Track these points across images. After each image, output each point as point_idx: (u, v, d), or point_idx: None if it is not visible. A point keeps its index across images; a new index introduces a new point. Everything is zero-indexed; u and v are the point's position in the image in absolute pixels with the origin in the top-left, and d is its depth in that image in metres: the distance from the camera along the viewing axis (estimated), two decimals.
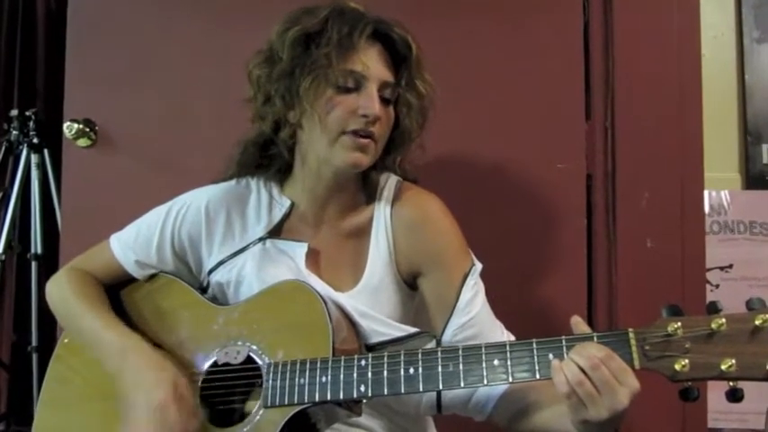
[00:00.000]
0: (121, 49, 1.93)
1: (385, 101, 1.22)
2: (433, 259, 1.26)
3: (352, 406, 1.16)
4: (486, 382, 1.04)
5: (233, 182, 1.35)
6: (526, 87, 1.80)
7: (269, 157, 1.31)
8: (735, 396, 0.96)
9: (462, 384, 1.05)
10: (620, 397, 0.95)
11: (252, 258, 1.28)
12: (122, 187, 1.89)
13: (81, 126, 1.88)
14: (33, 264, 2.56)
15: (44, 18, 2.73)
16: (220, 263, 1.30)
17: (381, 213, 1.29)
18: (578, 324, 1.03)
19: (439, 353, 1.08)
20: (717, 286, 1.96)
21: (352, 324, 1.22)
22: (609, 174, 1.80)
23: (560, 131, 1.79)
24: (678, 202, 1.78)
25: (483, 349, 1.05)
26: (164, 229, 1.32)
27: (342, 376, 1.10)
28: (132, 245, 1.34)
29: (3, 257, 2.56)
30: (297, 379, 1.11)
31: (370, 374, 1.09)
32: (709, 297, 1.84)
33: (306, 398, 1.10)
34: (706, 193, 1.90)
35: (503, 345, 1.05)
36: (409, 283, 1.29)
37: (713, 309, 0.97)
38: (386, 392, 1.08)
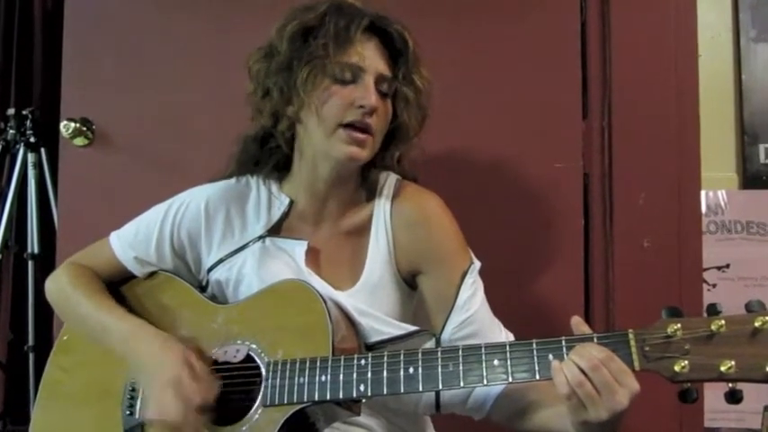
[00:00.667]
0: (118, 49, 1.93)
1: (382, 94, 1.23)
2: (433, 257, 1.26)
3: (352, 405, 1.16)
4: (485, 382, 1.04)
5: (233, 180, 1.35)
6: (523, 86, 1.80)
7: (268, 152, 1.31)
8: (734, 397, 0.96)
9: (462, 384, 1.06)
10: (619, 398, 0.95)
11: (252, 257, 1.28)
12: (119, 186, 1.89)
13: (78, 125, 1.88)
14: (30, 263, 2.54)
15: (41, 17, 2.71)
16: (220, 261, 1.31)
17: (381, 211, 1.29)
18: (578, 324, 1.03)
19: (439, 353, 1.08)
20: (714, 286, 1.96)
21: (352, 323, 1.22)
22: (606, 173, 1.80)
23: (557, 131, 1.79)
24: (675, 201, 1.78)
25: (483, 349, 1.05)
26: (163, 226, 1.32)
27: (341, 376, 1.10)
28: (132, 242, 1.34)
29: None
30: (296, 378, 1.11)
31: (369, 374, 1.09)
32: (706, 297, 1.85)
33: (305, 397, 1.10)
34: (703, 192, 1.90)
35: (503, 345, 1.06)
36: (408, 281, 1.29)
37: (713, 311, 0.97)
38: (385, 392, 1.08)
